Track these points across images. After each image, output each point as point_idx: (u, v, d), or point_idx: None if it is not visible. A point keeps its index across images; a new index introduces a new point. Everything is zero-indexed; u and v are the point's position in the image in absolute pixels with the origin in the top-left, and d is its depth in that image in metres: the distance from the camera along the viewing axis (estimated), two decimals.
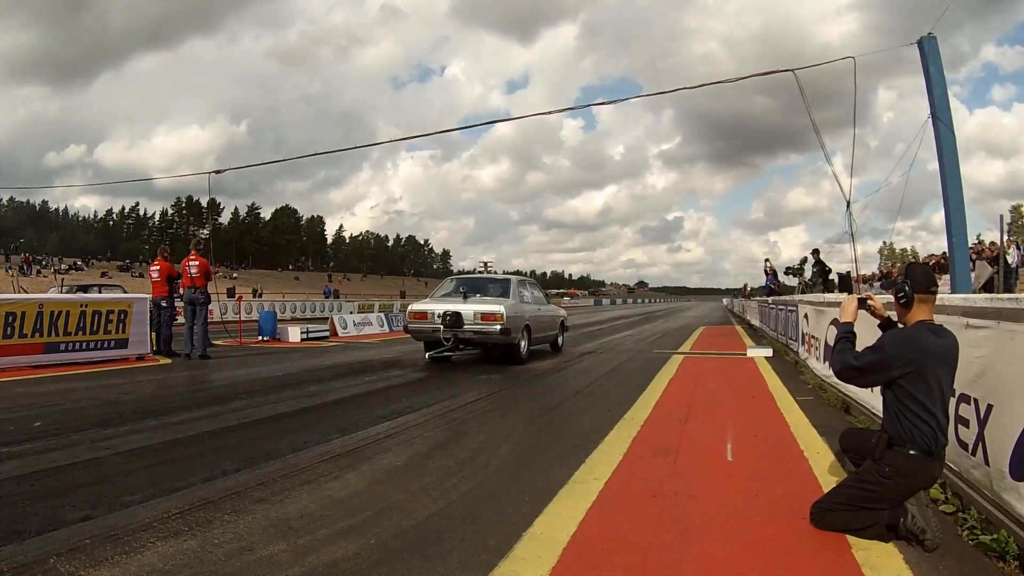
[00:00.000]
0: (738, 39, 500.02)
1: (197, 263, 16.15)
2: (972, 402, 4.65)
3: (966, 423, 4.74)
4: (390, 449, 6.69)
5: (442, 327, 14.23)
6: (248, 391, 10.49)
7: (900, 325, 4.50)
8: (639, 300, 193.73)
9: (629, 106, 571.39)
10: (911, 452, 4.09)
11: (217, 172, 20.82)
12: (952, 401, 4.80)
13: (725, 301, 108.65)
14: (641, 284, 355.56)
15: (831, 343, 9.94)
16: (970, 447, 4.65)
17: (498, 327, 13.92)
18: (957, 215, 9.95)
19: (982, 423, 4.47)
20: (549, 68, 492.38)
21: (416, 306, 15.58)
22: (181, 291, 16.39)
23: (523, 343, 14.98)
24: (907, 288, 4.32)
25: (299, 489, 5.27)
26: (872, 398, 7.61)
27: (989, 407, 4.40)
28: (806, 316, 13.38)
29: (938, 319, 4.58)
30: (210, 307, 16.89)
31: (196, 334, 15.92)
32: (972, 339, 4.62)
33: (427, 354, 15.15)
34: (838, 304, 9.63)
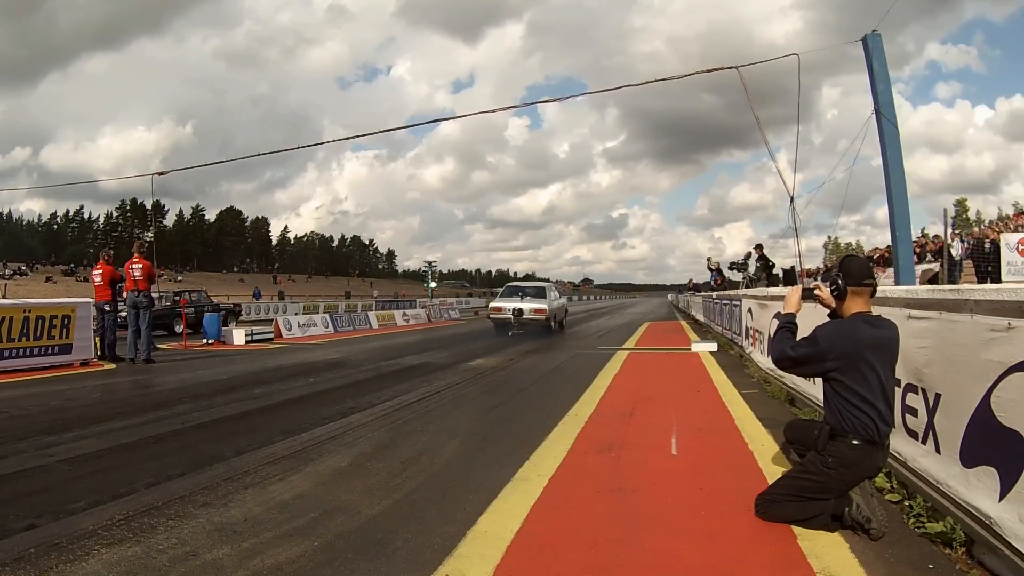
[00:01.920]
0: (683, 38, 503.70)
1: (140, 266, 15.82)
2: (920, 392, 4.65)
3: (914, 412, 4.74)
4: (335, 450, 6.62)
5: (512, 317, 24.41)
6: (192, 395, 10.34)
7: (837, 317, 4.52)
8: (585, 297, 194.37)
9: (574, 104, 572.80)
10: (854, 442, 4.11)
11: (161, 174, 20.61)
12: (899, 391, 4.85)
13: (670, 297, 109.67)
14: (586, 281, 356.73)
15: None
16: (920, 436, 4.64)
17: (543, 317, 24.45)
18: (900, 209, 10.04)
19: (931, 412, 4.47)
20: (495, 68, 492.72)
21: (494, 304, 26.31)
22: (124, 295, 16.08)
23: (552, 323, 25.35)
24: (840, 281, 4.38)
25: (243, 492, 5.18)
26: (816, 390, 7.65)
27: (937, 396, 4.39)
28: (750, 310, 13.47)
29: (881, 311, 4.63)
30: (154, 310, 16.58)
31: (140, 338, 15.64)
32: (916, 330, 4.64)
33: (507, 328, 24.66)
34: (782, 298, 9.75)
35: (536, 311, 24.28)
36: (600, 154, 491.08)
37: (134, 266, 15.78)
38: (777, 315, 4.91)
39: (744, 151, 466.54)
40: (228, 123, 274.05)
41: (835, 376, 4.24)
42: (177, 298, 29.74)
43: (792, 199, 11.24)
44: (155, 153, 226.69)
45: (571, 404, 8.91)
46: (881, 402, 4.14)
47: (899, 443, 4.89)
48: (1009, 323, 3.51)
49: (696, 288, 52.99)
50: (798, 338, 4.57)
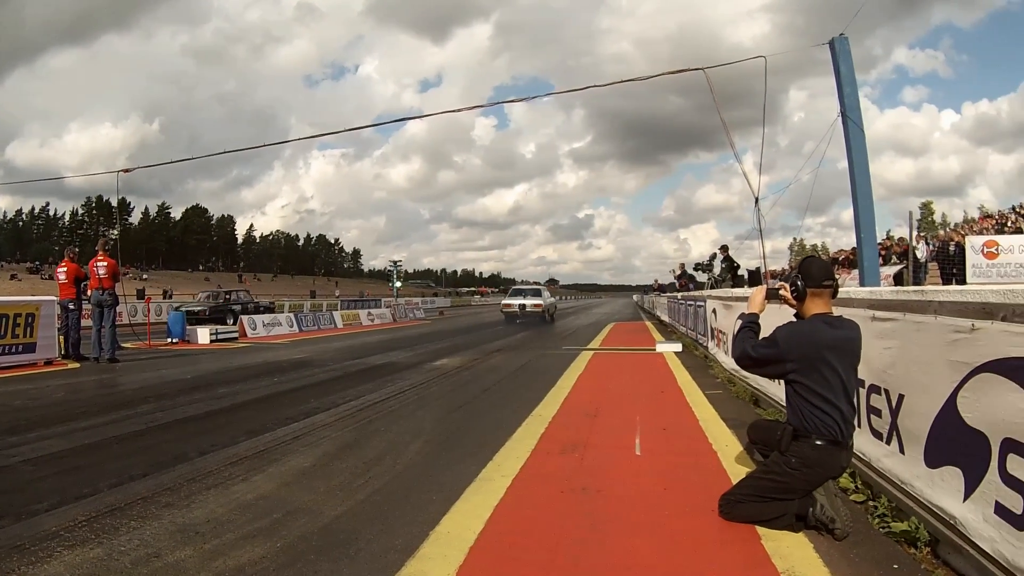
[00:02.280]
0: (651, 39, 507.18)
1: (105, 264, 15.69)
2: (883, 392, 4.65)
3: (878, 413, 4.74)
4: (298, 451, 6.56)
5: (518, 310, 33.82)
6: (156, 395, 10.24)
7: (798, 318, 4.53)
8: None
9: (541, 105, 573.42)
10: (817, 442, 4.11)
11: (126, 171, 20.38)
12: (862, 392, 4.88)
13: (636, 297, 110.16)
14: (552, 282, 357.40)
15: None
16: (884, 436, 4.64)
17: (540, 310, 34.15)
18: (866, 211, 10.11)
19: (895, 412, 4.47)
20: (463, 67, 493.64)
21: (505, 301, 35.69)
22: (89, 293, 15.88)
23: (546, 315, 35.25)
24: (799, 283, 4.39)
25: (206, 493, 5.13)
26: (780, 391, 7.74)
27: (901, 397, 4.39)
28: (714, 311, 13.47)
29: (845, 312, 4.66)
30: (118, 309, 16.41)
31: (104, 337, 15.46)
32: (880, 331, 4.65)
33: (512, 318, 34.25)
34: (746, 299, 9.79)
35: (535, 306, 34.47)
36: (566, 155, 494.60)
37: (98, 264, 15.66)
38: (741, 315, 4.93)
39: (711, 153, 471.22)
40: (195, 120, 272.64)
41: (795, 377, 4.25)
42: (228, 295, 33.57)
43: (757, 200, 11.31)
44: (122, 150, 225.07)
45: (535, 404, 8.88)
46: (843, 402, 4.14)
47: (863, 443, 4.89)
48: (973, 324, 3.52)
49: (661, 288, 53.22)
50: (760, 338, 4.57)
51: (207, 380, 12.13)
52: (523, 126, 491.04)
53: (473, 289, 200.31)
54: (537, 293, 36.54)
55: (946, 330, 3.79)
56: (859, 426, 4.90)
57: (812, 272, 4.40)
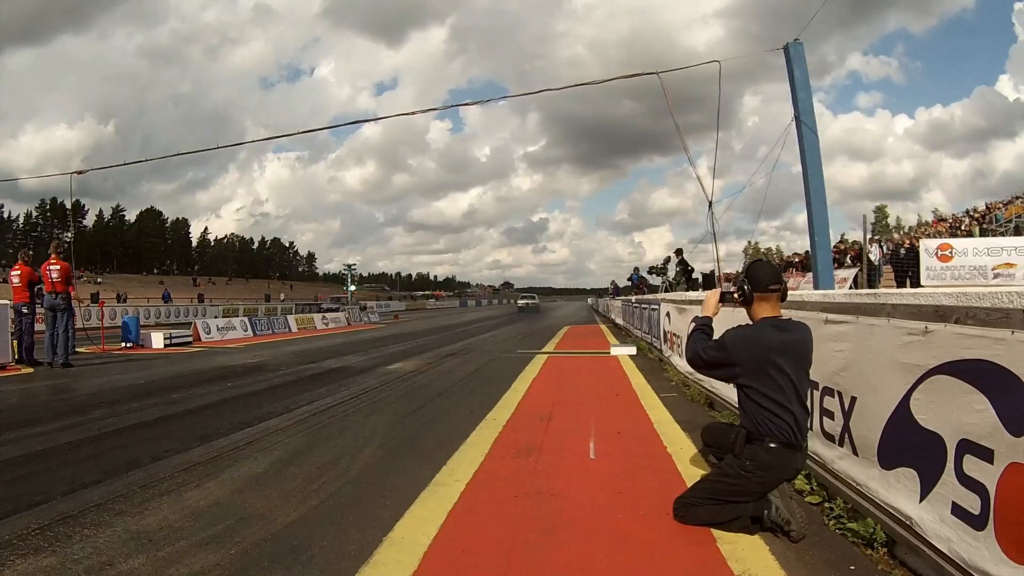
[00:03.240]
0: (605, 43, 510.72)
1: (58, 267, 15.40)
2: (836, 395, 4.68)
3: (831, 415, 4.76)
4: (251, 456, 6.47)
5: (527, 304, 77.38)
6: (110, 400, 10.10)
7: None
8: (504, 301, 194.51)
9: (496, 108, 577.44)
10: (771, 445, 4.10)
11: (79, 172, 20.16)
12: (816, 394, 4.90)
13: (590, 300, 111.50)
14: (507, 285, 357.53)
15: None
16: (836, 438, 4.66)
17: (536, 304, 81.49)
18: (819, 214, 10.19)
19: (847, 415, 4.50)
20: (418, 70, 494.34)
21: (520, 302, 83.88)
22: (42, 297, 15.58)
23: (538, 307, 79.14)
24: (745, 287, 4.39)
25: (159, 500, 5.04)
26: (734, 393, 7.76)
27: (853, 399, 4.41)
28: (668, 315, 13.47)
29: (799, 315, 4.69)
30: (73, 313, 16.14)
31: (58, 341, 15.16)
32: (833, 334, 4.67)
33: (523, 308, 74.50)
34: (700, 302, 9.83)
35: (534, 304, 78.15)
36: (521, 158, 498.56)
37: (51, 267, 15.38)
38: (695, 318, 4.93)
39: (665, 157, 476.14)
40: (150, 122, 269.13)
41: (745, 381, 4.26)
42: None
43: (711, 204, 11.41)
44: (77, 151, 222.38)
45: (489, 408, 8.87)
46: (796, 405, 4.14)
47: (817, 446, 4.91)
48: (927, 327, 3.53)
49: (616, 291, 53.40)
50: (712, 340, 4.55)
51: (161, 385, 11.97)
52: (478, 129, 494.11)
53: (428, 293, 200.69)
54: (533, 297, 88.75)
55: (899, 333, 3.81)
56: (811, 428, 4.93)
57: (758, 276, 4.40)
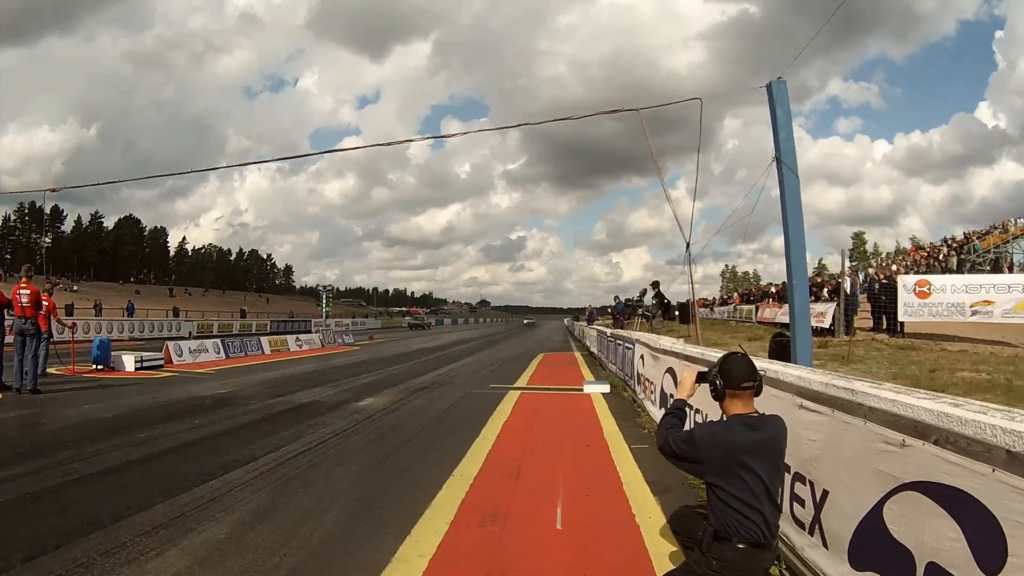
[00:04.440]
0: (587, 62, 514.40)
1: (28, 291, 15.04)
2: (808, 483, 4.60)
3: (802, 502, 4.69)
4: (214, 517, 6.30)
5: (529, 322, 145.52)
6: (76, 437, 9.92)
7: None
8: (482, 320, 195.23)
9: (478, 126, 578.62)
10: (739, 546, 4.00)
11: (53, 190, 20.00)
12: (787, 477, 4.79)
13: (566, 321, 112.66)
14: (483, 303, 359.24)
15: (666, 391, 10.07)
16: (807, 526, 4.59)
17: (533, 322, 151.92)
18: (798, 257, 10.08)
19: (818, 506, 4.42)
20: (400, 84, 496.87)
21: (524, 321, 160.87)
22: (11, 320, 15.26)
23: (533, 324, 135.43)
24: (717, 383, 4.29)
25: (120, 571, 4.92)
26: None
27: (825, 492, 4.35)
28: (642, 357, 13.35)
29: (772, 393, 4.63)
30: (46, 336, 15.84)
31: (26, 367, 14.88)
32: (807, 421, 4.58)
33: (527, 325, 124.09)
34: (674, 353, 9.71)
35: (531, 321, 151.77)
36: (500, 176, 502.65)
37: (21, 291, 15.03)
38: (672, 402, 4.81)
39: (643, 178, 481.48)
40: (132, 126, 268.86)
41: (713, 480, 4.14)
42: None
43: (688, 245, 11.38)
44: (59, 155, 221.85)
45: (458, 459, 8.77)
46: (766, 505, 4.04)
47: (788, 529, 4.83)
48: (904, 440, 3.45)
49: (592, 318, 53.50)
50: (686, 427, 4.46)
51: (128, 420, 11.75)
52: (458, 146, 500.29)
53: (405, 309, 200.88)
54: (531, 319, 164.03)
55: (875, 438, 3.73)
56: (782, 511, 4.87)
57: (731, 373, 4.28)
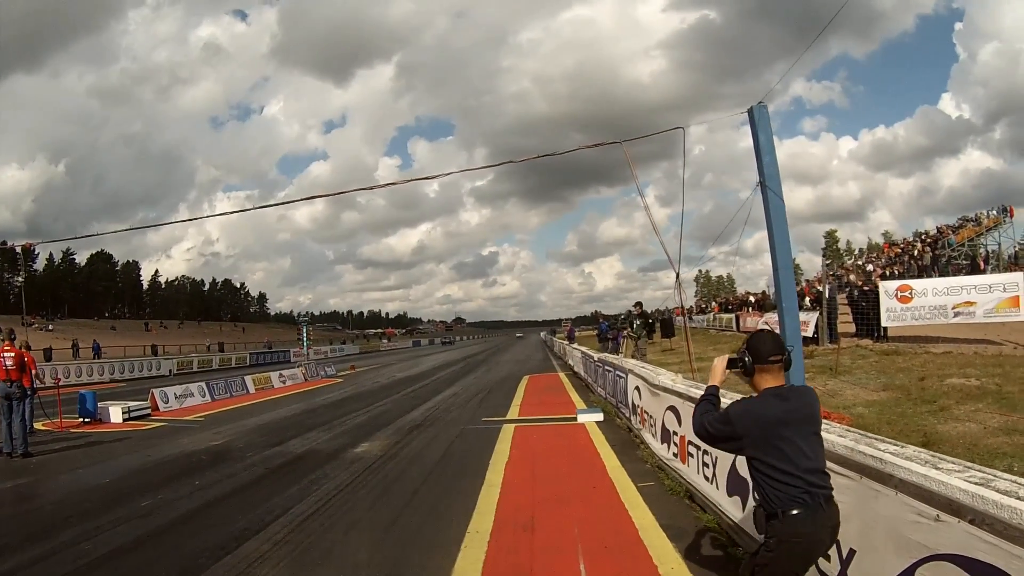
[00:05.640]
0: (550, 77, 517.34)
1: (12, 355, 14.91)
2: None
3: (827, 557, 4.65)
4: None
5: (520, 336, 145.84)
6: (79, 511, 9.69)
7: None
8: (459, 338, 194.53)
9: (444, 144, 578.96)
10: (793, 512, 4.05)
11: (30, 245, 19.84)
12: None
13: (542, 335, 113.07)
14: (459, 320, 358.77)
15: (668, 427, 10.12)
16: None
17: (523, 335, 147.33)
18: (786, 281, 10.10)
19: (845, 563, 4.49)
20: (366, 108, 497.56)
21: (518, 335, 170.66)
22: None
23: (522, 336, 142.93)
24: (746, 359, 4.36)
25: None
26: (714, 490, 7.71)
27: (852, 551, 4.42)
28: (637, 389, 13.28)
29: None
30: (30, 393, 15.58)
31: (15, 431, 14.71)
32: (832, 482, 4.62)
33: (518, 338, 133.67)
34: (676, 393, 9.71)
35: (520, 335, 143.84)
36: (469, 193, 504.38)
37: (6, 354, 14.88)
38: (706, 389, 4.78)
39: (612, 188, 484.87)
40: (101, 162, 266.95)
41: (752, 454, 4.23)
42: None
43: (677, 275, 11.45)
44: (28, 192, 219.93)
45: (468, 513, 8.73)
46: (808, 471, 4.10)
47: None
48: (938, 515, 3.52)
49: (572, 336, 53.51)
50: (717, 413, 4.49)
51: (127, 485, 11.57)
52: (426, 165, 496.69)
53: (380, 331, 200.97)
54: (521, 334, 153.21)
55: (908, 510, 3.80)
56: (827, 473, 4.91)
57: (759, 349, 4.36)
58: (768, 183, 10.26)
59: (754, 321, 38.18)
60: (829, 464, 4.66)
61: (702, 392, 4.77)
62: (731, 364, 4.61)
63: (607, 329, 34.19)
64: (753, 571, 4.27)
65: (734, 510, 6.94)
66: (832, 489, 4.21)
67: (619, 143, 11.79)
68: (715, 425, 4.36)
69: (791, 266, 10.60)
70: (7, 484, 12.23)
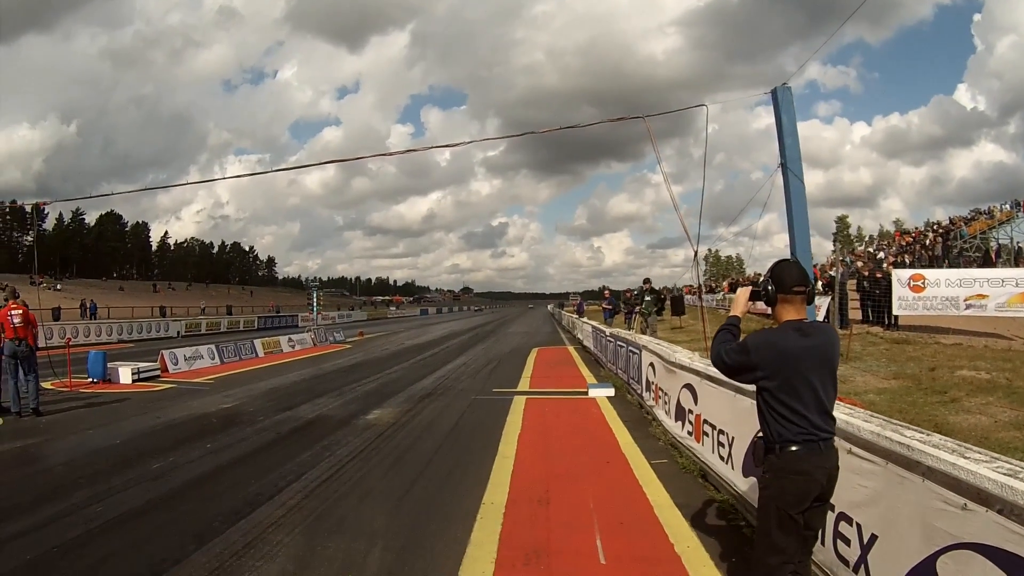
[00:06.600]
0: (563, 50, 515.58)
1: (20, 312, 14.90)
2: (854, 524, 4.68)
3: (847, 541, 4.76)
4: (255, 568, 6.15)
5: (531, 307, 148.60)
6: (89, 472, 9.68)
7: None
8: (465, 308, 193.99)
9: (457, 114, 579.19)
10: (791, 448, 4.09)
11: (44, 203, 19.81)
12: (831, 516, 4.84)
13: (550, 307, 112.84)
14: (466, 290, 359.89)
15: (683, 405, 10.12)
16: (851, 564, 4.68)
17: (534, 307, 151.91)
18: (804, 264, 10.13)
19: (865, 548, 4.51)
20: (379, 75, 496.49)
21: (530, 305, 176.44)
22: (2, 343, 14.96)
23: (533, 306, 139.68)
24: (769, 288, 4.33)
25: None
26: (728, 469, 7.75)
27: (874, 536, 4.43)
28: (652, 365, 13.28)
29: None
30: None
31: (27, 389, 14.76)
32: (856, 467, 4.63)
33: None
34: (694, 371, 9.66)
35: (532, 307, 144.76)
36: (480, 163, 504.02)
37: (13, 312, 14.86)
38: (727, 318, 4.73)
39: (623, 163, 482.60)
40: (112, 123, 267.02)
41: (764, 384, 4.21)
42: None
43: (696, 253, 11.43)
44: (39, 152, 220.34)
45: (483, 484, 8.77)
46: (813, 412, 4.11)
47: (830, 560, 4.97)
48: (966, 504, 3.55)
49: (580, 309, 53.45)
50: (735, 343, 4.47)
51: (138, 447, 11.59)
52: (438, 134, 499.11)
53: (388, 298, 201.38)
54: (532, 304, 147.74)
55: (934, 497, 3.82)
56: (823, 544, 4.92)
57: (783, 277, 4.32)
58: (790, 165, 10.21)
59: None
60: (854, 449, 4.70)
61: (722, 324, 4.67)
62: (754, 296, 4.59)
63: (614, 303, 33.93)
64: (755, 538, 4.39)
65: (749, 491, 6.92)
66: (834, 434, 4.24)
67: (642, 118, 11.74)
68: (732, 355, 4.33)
69: (809, 249, 10.56)
70: (17, 444, 12.17)
